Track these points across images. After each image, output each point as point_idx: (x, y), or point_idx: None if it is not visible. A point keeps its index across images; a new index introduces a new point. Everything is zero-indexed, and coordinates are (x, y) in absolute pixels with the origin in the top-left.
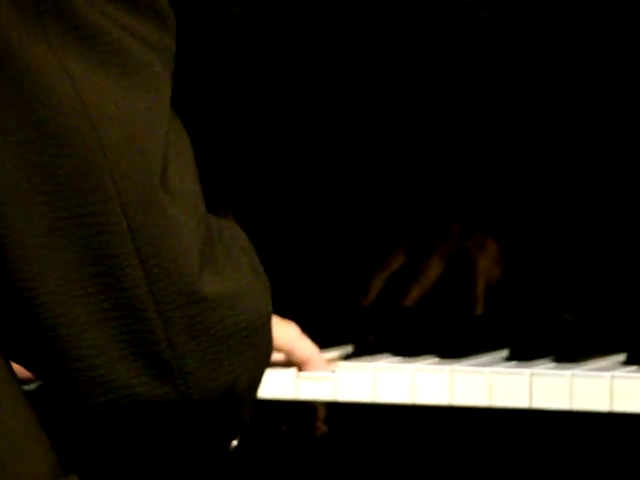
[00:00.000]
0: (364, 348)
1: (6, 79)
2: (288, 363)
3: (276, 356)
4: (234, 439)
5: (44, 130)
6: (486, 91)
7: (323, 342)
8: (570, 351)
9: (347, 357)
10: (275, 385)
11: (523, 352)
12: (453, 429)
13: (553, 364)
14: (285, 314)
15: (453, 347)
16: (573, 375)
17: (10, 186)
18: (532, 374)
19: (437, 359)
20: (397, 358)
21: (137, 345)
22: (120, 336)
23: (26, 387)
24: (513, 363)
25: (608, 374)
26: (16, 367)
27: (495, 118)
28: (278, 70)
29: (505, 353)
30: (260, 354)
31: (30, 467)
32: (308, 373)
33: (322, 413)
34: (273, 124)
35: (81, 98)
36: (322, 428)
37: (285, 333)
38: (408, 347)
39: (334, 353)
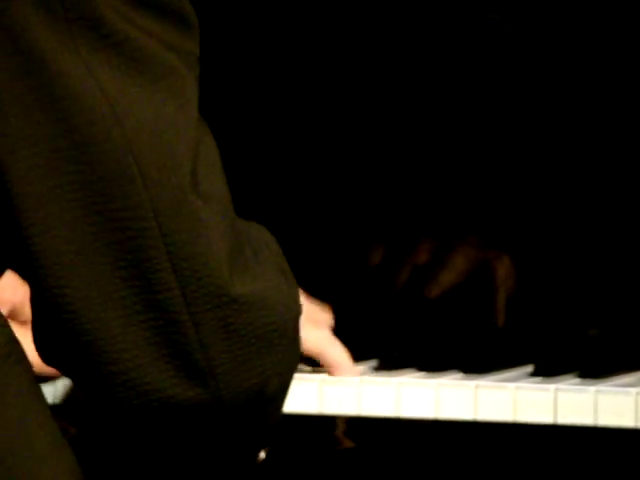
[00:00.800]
0: (388, 363)
1: (37, 88)
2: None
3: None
4: (262, 446)
5: (75, 138)
6: (523, 109)
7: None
8: (595, 367)
9: (371, 372)
10: (299, 399)
11: (548, 368)
12: (477, 444)
13: (578, 380)
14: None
15: (478, 362)
16: (598, 391)
17: (42, 193)
18: (557, 389)
19: (461, 374)
20: (421, 373)
21: (169, 347)
22: (153, 338)
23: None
24: (538, 379)
25: (633, 390)
26: (35, 364)
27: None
28: (299, 74)
29: (530, 368)
30: (290, 355)
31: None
32: (333, 378)
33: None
34: (289, 115)
35: (111, 105)
36: (346, 442)
37: (315, 335)
38: (432, 362)
39: (358, 367)
